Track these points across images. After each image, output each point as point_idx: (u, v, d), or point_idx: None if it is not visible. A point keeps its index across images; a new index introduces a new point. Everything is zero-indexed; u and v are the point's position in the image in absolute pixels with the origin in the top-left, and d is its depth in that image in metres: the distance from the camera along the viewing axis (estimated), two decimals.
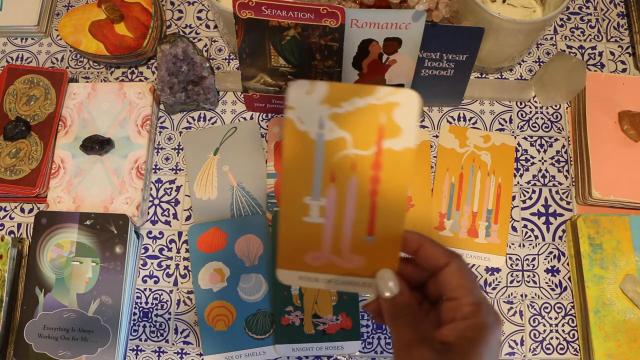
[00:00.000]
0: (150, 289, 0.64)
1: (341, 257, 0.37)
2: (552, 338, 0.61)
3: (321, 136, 0.35)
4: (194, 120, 0.70)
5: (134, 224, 0.63)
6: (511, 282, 0.63)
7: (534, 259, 0.64)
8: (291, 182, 0.36)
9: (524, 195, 0.66)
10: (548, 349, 0.61)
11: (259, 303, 0.60)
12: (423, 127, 0.69)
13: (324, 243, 0.37)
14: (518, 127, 0.68)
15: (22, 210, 0.68)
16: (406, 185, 0.35)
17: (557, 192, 0.66)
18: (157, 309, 0.63)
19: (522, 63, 0.72)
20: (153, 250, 0.65)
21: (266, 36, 0.59)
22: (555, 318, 0.62)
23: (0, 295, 0.59)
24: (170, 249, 0.65)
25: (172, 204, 0.67)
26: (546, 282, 0.63)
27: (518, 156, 0.67)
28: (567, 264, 0.63)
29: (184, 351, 0.62)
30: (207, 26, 0.75)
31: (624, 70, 0.71)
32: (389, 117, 0.34)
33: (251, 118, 0.70)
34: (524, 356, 0.60)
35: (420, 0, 0.54)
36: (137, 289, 0.64)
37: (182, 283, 0.64)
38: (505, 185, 0.65)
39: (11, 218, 0.68)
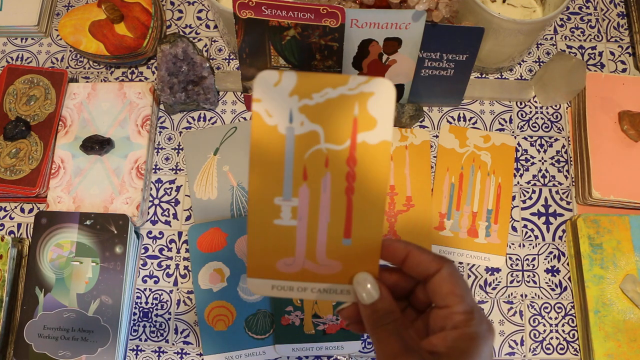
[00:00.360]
0: (150, 289, 0.64)
1: (316, 262, 0.34)
2: (552, 338, 0.61)
3: (291, 130, 0.32)
4: (194, 120, 0.70)
5: (134, 224, 0.63)
6: (511, 282, 0.63)
7: (534, 259, 0.64)
8: (260, 182, 0.33)
9: (524, 195, 0.66)
10: (548, 349, 0.61)
11: (259, 303, 0.60)
12: (423, 127, 0.69)
13: (297, 248, 0.34)
14: (518, 127, 0.68)
15: (22, 210, 0.68)
16: (384, 180, 0.33)
17: (557, 192, 0.66)
18: (157, 309, 0.63)
19: (522, 63, 0.72)
20: (153, 250, 0.65)
21: (266, 36, 0.59)
22: (555, 318, 0.62)
23: (0, 295, 0.59)
24: (170, 249, 0.65)
25: (172, 204, 0.67)
26: (546, 282, 0.63)
27: (518, 156, 0.67)
28: (567, 264, 0.63)
29: (184, 351, 0.62)
30: (207, 26, 0.75)
31: (624, 70, 0.71)
32: (363, 108, 0.32)
33: (251, 118, 0.70)
34: (524, 356, 0.60)
35: (420, 0, 0.54)
36: (137, 289, 0.64)
37: (182, 283, 0.64)
38: (505, 185, 0.65)
39: (11, 218, 0.68)
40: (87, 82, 0.72)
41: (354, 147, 0.33)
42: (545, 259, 0.64)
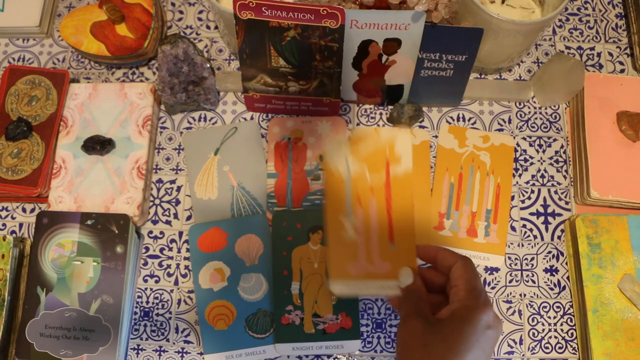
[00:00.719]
0: (151, 289, 0.64)
1: (373, 264, 0.45)
2: (550, 337, 0.61)
3: (347, 169, 0.47)
4: (194, 120, 0.70)
5: (135, 224, 0.63)
6: (510, 281, 0.63)
7: (532, 259, 0.64)
8: (332, 207, 0.46)
9: (523, 195, 0.66)
10: (547, 348, 0.61)
11: (259, 302, 0.61)
12: (422, 127, 0.69)
13: (359, 253, 0.45)
14: (517, 127, 0.69)
15: (24, 210, 0.68)
16: (411, 199, 0.46)
17: (555, 192, 0.66)
18: (157, 309, 0.63)
19: (521, 63, 0.72)
20: (154, 250, 0.65)
21: (266, 37, 0.59)
22: (554, 317, 0.62)
23: (2, 294, 0.60)
24: (170, 249, 0.65)
25: (173, 203, 0.67)
26: (545, 282, 0.63)
27: (517, 156, 0.68)
28: (566, 264, 0.64)
29: (184, 350, 0.62)
30: (208, 27, 0.75)
31: (622, 71, 0.71)
32: (392, 150, 0.47)
33: (251, 118, 0.70)
34: (523, 355, 0.61)
35: (420, 1, 0.54)
36: (138, 288, 0.64)
37: (182, 282, 0.64)
38: (504, 185, 0.65)
39: (13, 218, 0.68)
40: (88, 82, 0.73)
41: (388, 177, 0.47)
42: (544, 259, 0.64)
